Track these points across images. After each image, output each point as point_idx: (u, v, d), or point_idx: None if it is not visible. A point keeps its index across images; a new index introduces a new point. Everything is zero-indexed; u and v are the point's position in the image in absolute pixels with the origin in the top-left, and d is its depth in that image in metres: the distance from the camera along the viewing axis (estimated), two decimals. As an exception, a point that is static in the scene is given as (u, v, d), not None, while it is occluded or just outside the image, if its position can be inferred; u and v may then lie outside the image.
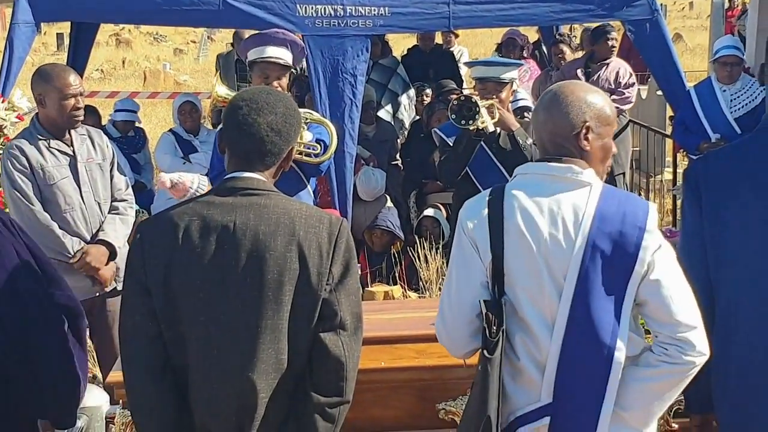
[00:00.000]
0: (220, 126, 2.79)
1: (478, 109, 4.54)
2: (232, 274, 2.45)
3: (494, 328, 2.52)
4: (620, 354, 2.52)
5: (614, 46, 8.06)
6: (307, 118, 4.70)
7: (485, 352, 2.54)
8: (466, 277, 2.60)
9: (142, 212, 6.42)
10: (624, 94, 7.88)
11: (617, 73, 7.88)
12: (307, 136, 4.66)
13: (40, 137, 4.43)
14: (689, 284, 2.60)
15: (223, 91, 4.67)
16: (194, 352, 2.48)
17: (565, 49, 8.79)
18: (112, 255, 4.52)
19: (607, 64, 7.96)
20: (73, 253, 4.41)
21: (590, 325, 2.51)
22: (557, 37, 9.20)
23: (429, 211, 6.80)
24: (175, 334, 2.49)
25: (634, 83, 7.99)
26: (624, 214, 2.55)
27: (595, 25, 8.73)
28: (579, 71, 8.00)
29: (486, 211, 2.59)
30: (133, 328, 2.51)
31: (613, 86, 7.85)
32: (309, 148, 4.63)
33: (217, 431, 2.51)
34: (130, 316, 2.53)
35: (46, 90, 4.37)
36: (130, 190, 4.75)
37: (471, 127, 4.59)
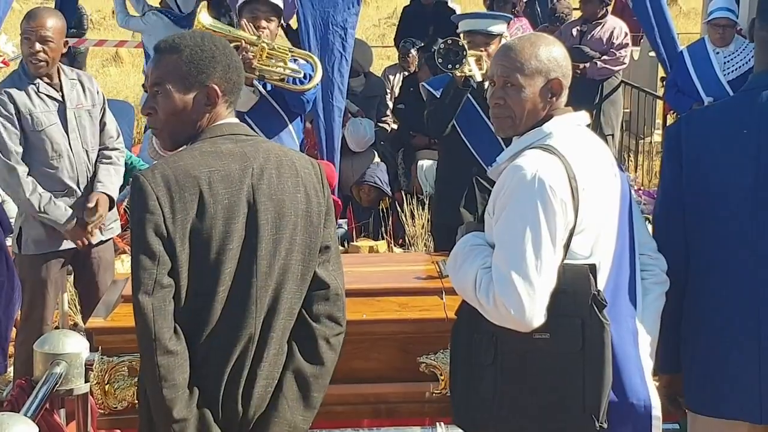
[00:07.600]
0: None
1: (465, 53, 4.43)
2: (261, 223, 2.43)
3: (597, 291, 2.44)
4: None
5: (602, 6, 7.96)
6: (292, 52, 4.72)
7: (604, 318, 2.43)
8: (554, 241, 2.40)
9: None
10: (615, 55, 7.81)
11: (611, 33, 7.80)
12: (292, 66, 4.64)
13: (29, 81, 4.34)
14: (665, 245, 2.73)
15: (207, 20, 4.55)
16: (220, 299, 2.41)
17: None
18: (110, 207, 4.48)
19: (602, 23, 7.88)
20: (39, 210, 4.26)
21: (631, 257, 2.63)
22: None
23: None
24: (200, 285, 2.41)
25: (627, 44, 7.91)
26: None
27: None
28: (575, 30, 7.94)
29: (563, 170, 2.44)
30: (159, 291, 2.35)
31: (605, 46, 7.78)
32: (294, 73, 4.61)
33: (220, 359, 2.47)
34: (149, 279, 2.34)
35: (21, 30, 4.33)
36: (121, 138, 4.63)
37: (458, 73, 4.50)
